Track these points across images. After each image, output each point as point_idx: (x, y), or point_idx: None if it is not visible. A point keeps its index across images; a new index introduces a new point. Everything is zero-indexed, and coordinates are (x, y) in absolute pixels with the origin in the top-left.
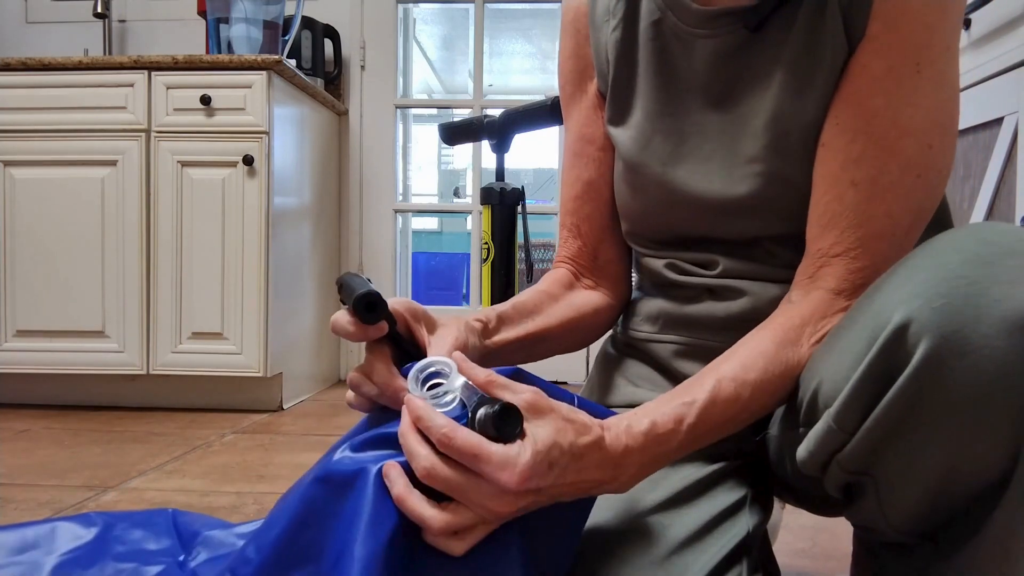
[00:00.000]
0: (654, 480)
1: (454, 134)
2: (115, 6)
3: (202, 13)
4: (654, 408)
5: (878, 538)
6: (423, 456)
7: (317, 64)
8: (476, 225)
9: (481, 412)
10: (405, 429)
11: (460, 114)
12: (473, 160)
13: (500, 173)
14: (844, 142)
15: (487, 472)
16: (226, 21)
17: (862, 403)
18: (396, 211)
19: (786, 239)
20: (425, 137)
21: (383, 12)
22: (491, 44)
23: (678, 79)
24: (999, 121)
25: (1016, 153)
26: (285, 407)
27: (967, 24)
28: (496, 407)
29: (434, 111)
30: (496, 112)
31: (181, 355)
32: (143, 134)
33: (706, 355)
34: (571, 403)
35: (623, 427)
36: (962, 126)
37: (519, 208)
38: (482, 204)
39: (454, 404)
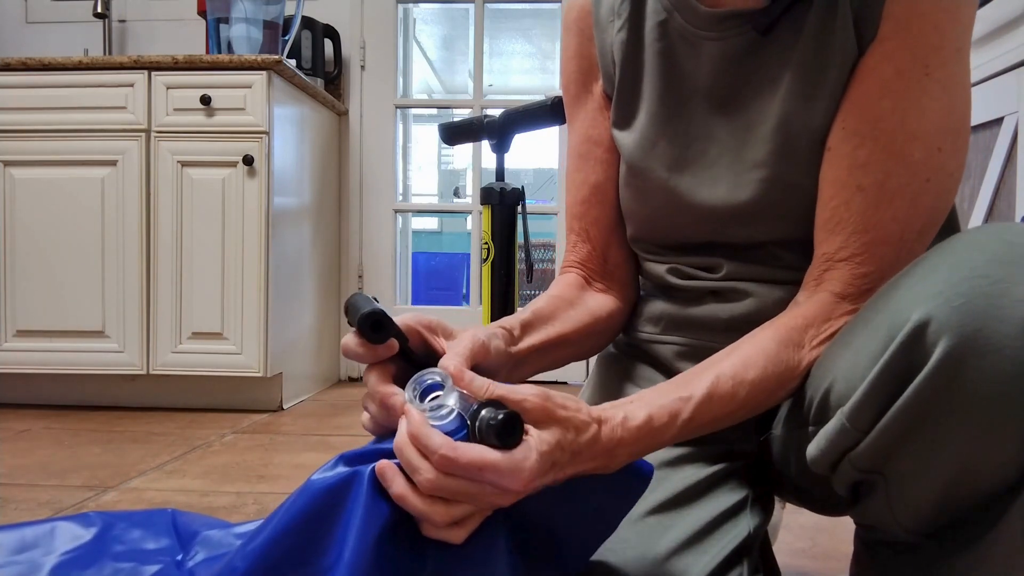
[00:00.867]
0: (655, 481)
1: (454, 134)
2: (115, 6)
3: (202, 13)
4: (651, 400)
5: (881, 537)
6: (425, 469)
7: (317, 64)
8: (476, 225)
9: (482, 421)
10: (403, 442)
11: (460, 114)
12: (473, 160)
13: (500, 173)
14: (851, 146)
15: (493, 480)
16: (226, 21)
17: (877, 402)
18: (396, 211)
19: (792, 243)
20: (425, 137)
21: (383, 12)
22: (491, 44)
23: (684, 81)
24: (999, 121)
25: (1016, 153)
26: (285, 407)
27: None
28: (498, 416)
29: (434, 111)
30: (496, 112)
31: (181, 355)
32: (143, 134)
33: (709, 355)
34: None
35: (619, 419)
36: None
37: (519, 208)
38: (482, 204)
39: (452, 417)
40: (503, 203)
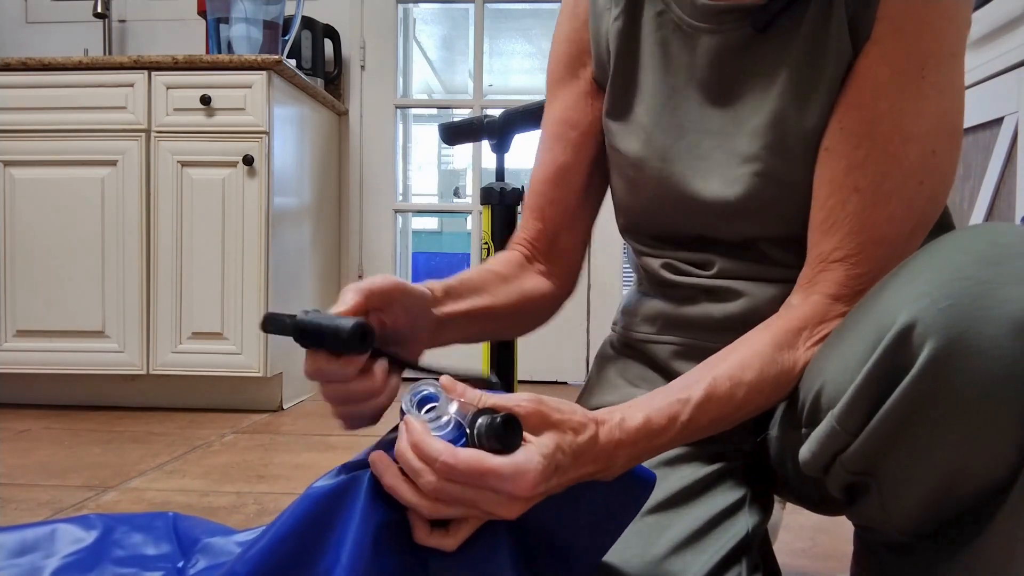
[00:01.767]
0: None
1: (454, 134)
2: (115, 6)
3: (202, 13)
4: (649, 403)
5: (879, 537)
6: (427, 473)
7: (317, 64)
8: (476, 225)
9: (480, 426)
10: (404, 450)
11: (460, 114)
12: (473, 160)
13: (500, 173)
14: (848, 147)
15: (497, 486)
16: (226, 21)
17: (866, 404)
18: (396, 211)
19: (783, 241)
20: (425, 137)
21: (383, 12)
22: (491, 44)
23: (680, 74)
24: (999, 121)
25: (1016, 153)
26: (285, 407)
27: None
28: (497, 420)
29: (434, 111)
30: (496, 112)
31: (181, 355)
32: (143, 134)
33: (704, 356)
34: None
35: (616, 421)
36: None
37: (519, 208)
38: (482, 204)
39: (451, 427)
40: (503, 203)
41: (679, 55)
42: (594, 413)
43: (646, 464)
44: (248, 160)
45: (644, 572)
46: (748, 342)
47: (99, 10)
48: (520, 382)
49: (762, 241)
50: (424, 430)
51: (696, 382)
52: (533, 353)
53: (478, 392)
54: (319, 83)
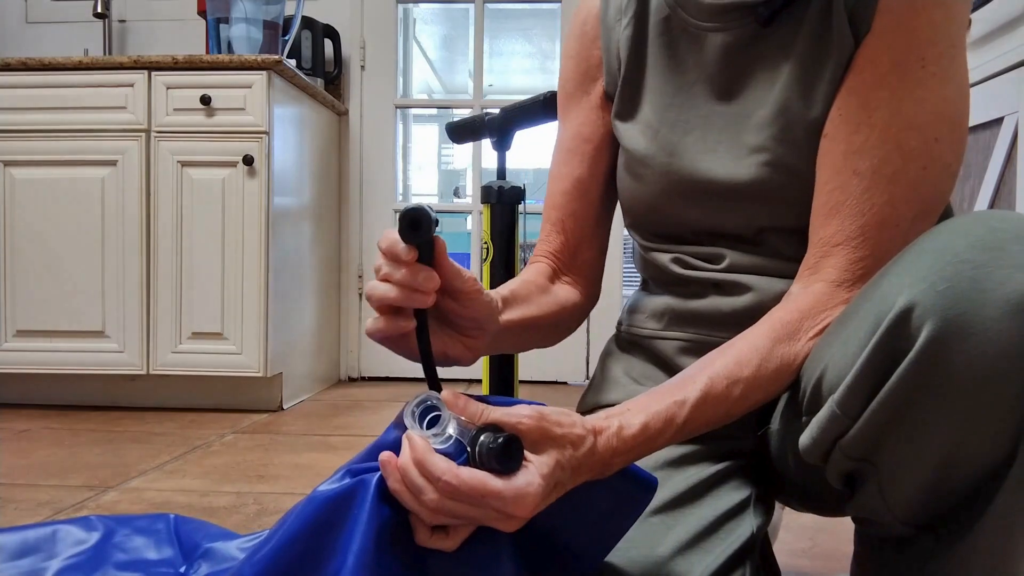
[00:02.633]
0: (659, 480)
1: (459, 132)
2: (115, 6)
3: (202, 13)
4: (646, 406)
5: (880, 532)
6: (429, 491)
7: (317, 64)
8: (476, 225)
9: (482, 446)
10: (406, 466)
11: (460, 114)
12: (473, 160)
13: (501, 172)
14: (847, 132)
15: (498, 507)
16: (226, 21)
17: (866, 388)
18: (396, 211)
19: (792, 232)
20: (425, 137)
21: (383, 12)
22: (491, 44)
23: (686, 73)
24: (999, 121)
25: (1016, 153)
26: (285, 407)
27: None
28: (499, 441)
29: (434, 111)
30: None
31: (181, 355)
32: (143, 134)
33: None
34: None
35: (614, 429)
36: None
37: (519, 207)
38: (482, 203)
39: (451, 442)
40: (502, 201)
41: (686, 55)
42: (592, 421)
43: (650, 461)
44: (248, 160)
45: (649, 572)
46: (747, 337)
47: (99, 10)
48: (520, 382)
49: (771, 232)
50: (426, 447)
51: (692, 381)
52: (533, 353)
53: (480, 406)
54: (319, 83)
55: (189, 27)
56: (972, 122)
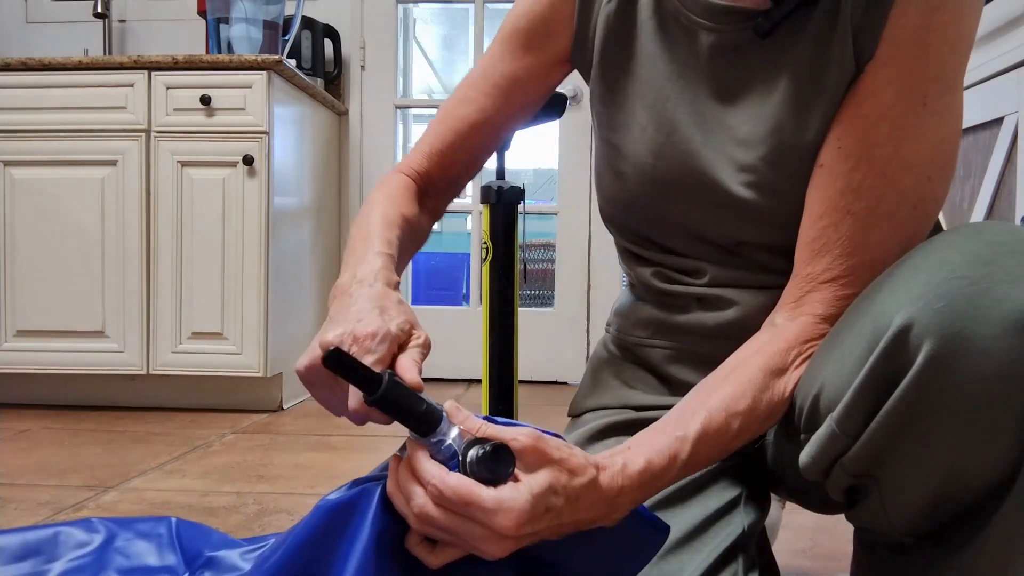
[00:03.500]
0: None
1: None
2: (115, 6)
3: (202, 13)
4: (648, 443)
5: (880, 538)
6: (418, 495)
7: (317, 64)
8: (476, 225)
9: (471, 454)
10: (402, 467)
11: None
12: None
13: (500, 172)
14: (846, 168)
15: (481, 519)
16: (226, 21)
17: (865, 406)
18: None
19: (773, 248)
20: None
21: (383, 12)
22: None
23: (677, 63)
24: (999, 121)
25: (1016, 153)
26: (285, 407)
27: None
28: (486, 448)
29: (434, 111)
30: None
31: (181, 355)
32: (143, 134)
33: (697, 359)
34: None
35: (619, 467)
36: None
37: (519, 207)
38: (481, 203)
39: (450, 452)
40: (501, 201)
41: (676, 46)
42: (595, 458)
43: None
44: (248, 160)
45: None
46: (740, 370)
47: (99, 10)
48: (520, 382)
49: (754, 246)
50: (423, 454)
51: (692, 416)
52: (533, 353)
53: (479, 421)
54: (319, 83)
55: (189, 27)
56: (972, 122)
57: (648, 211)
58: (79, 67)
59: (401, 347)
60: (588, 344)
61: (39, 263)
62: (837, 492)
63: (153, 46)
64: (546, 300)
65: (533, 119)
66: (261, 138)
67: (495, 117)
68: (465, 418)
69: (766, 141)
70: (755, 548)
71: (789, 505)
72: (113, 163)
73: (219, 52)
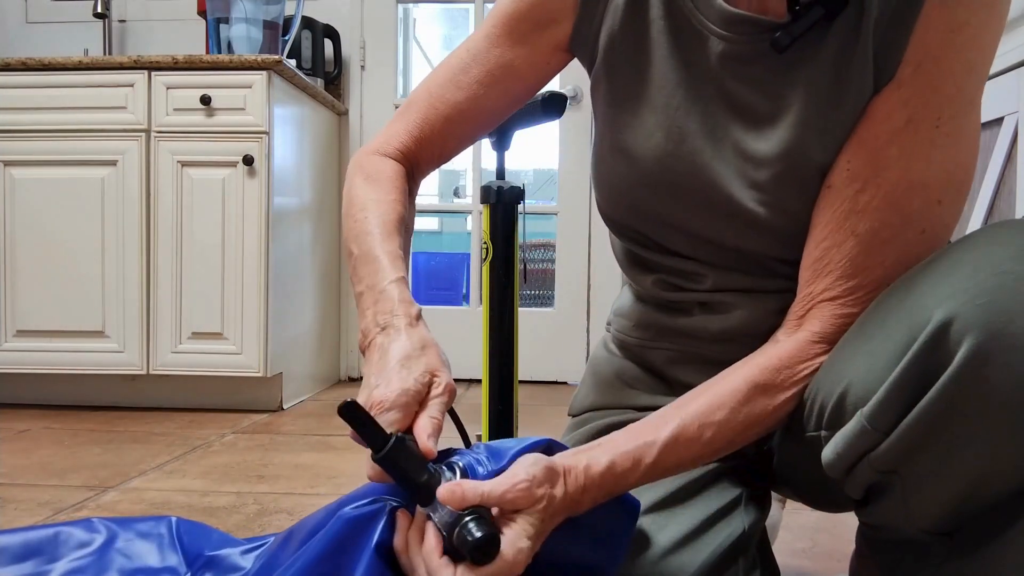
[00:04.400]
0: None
1: None
2: (115, 6)
3: (202, 13)
4: (615, 445)
5: (889, 536)
6: (421, 574)
7: (317, 64)
8: (476, 225)
9: (459, 536)
10: (413, 537)
11: None
12: (472, 160)
13: (500, 172)
14: (853, 190)
15: None
16: (226, 21)
17: (899, 402)
18: None
19: (779, 257)
20: None
21: (383, 12)
22: None
23: (691, 67)
24: (999, 121)
25: (1016, 153)
26: (285, 407)
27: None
28: (475, 538)
29: None
30: None
31: (181, 355)
32: (143, 134)
33: (700, 361)
34: (547, 450)
35: (582, 467)
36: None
37: (519, 207)
38: (481, 203)
39: (449, 520)
40: (501, 201)
41: (686, 51)
42: (561, 461)
43: None
44: (248, 160)
45: (641, 571)
46: (726, 379)
47: (99, 10)
48: (520, 382)
49: (757, 254)
50: (432, 549)
51: (665, 423)
52: (533, 353)
53: (476, 490)
54: (319, 83)
55: (189, 27)
56: None
57: (650, 211)
58: (79, 67)
59: (424, 400)
60: (588, 344)
61: (39, 263)
62: (857, 488)
63: (153, 46)
64: (546, 300)
65: (533, 119)
66: (261, 138)
67: (488, 106)
68: (461, 498)
69: (780, 160)
70: (756, 548)
71: (789, 505)
72: (113, 163)
73: (219, 52)
